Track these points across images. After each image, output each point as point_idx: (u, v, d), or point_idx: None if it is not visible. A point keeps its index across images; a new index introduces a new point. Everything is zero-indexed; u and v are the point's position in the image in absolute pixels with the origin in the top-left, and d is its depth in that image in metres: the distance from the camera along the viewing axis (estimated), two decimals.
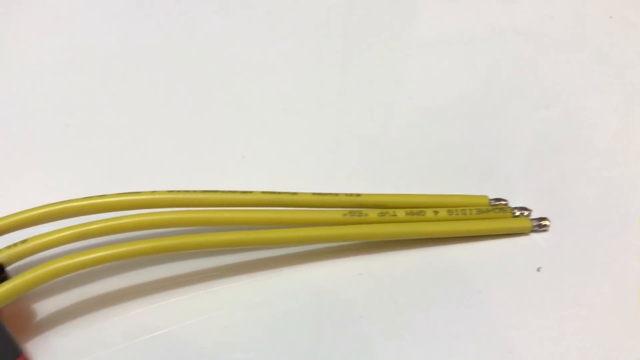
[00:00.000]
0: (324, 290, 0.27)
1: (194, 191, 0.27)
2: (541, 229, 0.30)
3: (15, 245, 0.24)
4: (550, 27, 0.41)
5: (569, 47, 0.39)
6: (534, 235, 0.30)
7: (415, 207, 0.29)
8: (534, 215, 0.30)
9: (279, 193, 0.28)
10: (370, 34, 0.40)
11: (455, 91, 0.36)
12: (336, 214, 0.28)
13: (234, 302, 0.27)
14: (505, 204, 0.30)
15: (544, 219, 0.30)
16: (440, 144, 0.33)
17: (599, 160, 0.33)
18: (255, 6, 0.41)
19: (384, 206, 0.28)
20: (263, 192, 0.27)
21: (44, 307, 0.26)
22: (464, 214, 0.29)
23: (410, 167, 0.32)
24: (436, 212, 0.29)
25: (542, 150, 0.33)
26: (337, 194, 0.28)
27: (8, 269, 0.24)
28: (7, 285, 0.23)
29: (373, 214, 0.28)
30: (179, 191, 0.27)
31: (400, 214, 0.28)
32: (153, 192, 0.26)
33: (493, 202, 0.30)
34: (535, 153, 0.33)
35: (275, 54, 0.38)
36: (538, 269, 0.28)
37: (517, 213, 0.30)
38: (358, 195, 0.28)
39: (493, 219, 0.29)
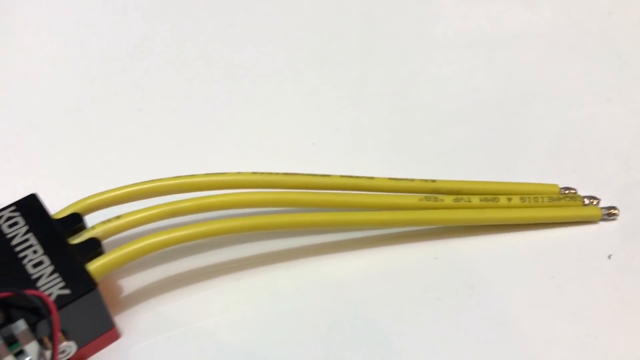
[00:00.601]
0: (400, 273, 0.28)
1: (277, 173, 0.27)
2: (610, 218, 0.30)
3: (109, 220, 0.25)
4: (571, 29, 0.40)
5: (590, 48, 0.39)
6: (603, 224, 0.30)
7: (489, 194, 0.29)
8: (602, 205, 0.30)
9: (357, 177, 0.28)
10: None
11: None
12: (413, 198, 0.28)
13: (313, 282, 0.27)
14: (575, 193, 0.31)
15: (613, 207, 0.30)
16: (509, 133, 0.34)
17: None
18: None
19: (459, 192, 0.29)
20: (342, 176, 0.28)
21: (130, 283, 0.27)
22: (536, 202, 0.29)
23: (477, 156, 0.33)
24: (509, 199, 0.29)
25: (608, 141, 0.34)
26: (412, 180, 0.29)
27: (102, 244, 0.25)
28: (106, 258, 0.23)
29: (448, 199, 0.28)
30: (262, 173, 0.27)
31: (475, 200, 0.29)
32: (238, 173, 0.27)
33: (563, 191, 0.30)
34: (600, 143, 0.33)
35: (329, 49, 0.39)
36: (609, 257, 0.28)
37: (587, 202, 0.30)
38: (433, 181, 0.29)
39: (564, 207, 0.30)
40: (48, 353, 0.22)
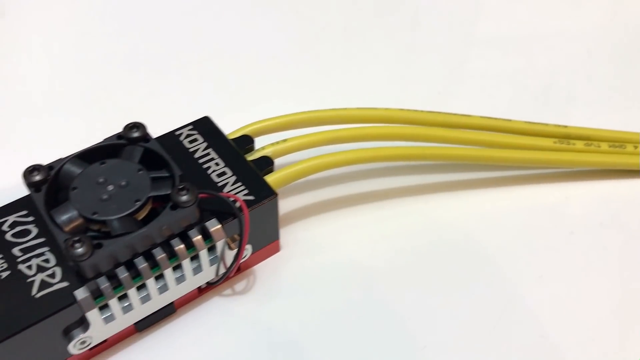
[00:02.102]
0: (534, 208, 0.30)
1: (422, 111, 0.29)
2: None
3: (277, 143, 0.27)
4: (613, 31, 0.41)
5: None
6: None
7: (617, 142, 0.31)
8: None
9: (496, 119, 0.30)
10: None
11: None
12: (547, 141, 0.30)
13: (453, 212, 0.29)
14: None
15: None
16: None
17: None
18: None
19: (588, 138, 0.30)
20: (481, 117, 0.30)
21: (290, 204, 0.29)
22: None
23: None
24: (635, 147, 0.31)
25: None
26: (546, 124, 0.30)
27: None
28: (282, 172, 0.26)
29: (579, 144, 0.30)
30: (409, 110, 0.29)
31: (604, 146, 0.30)
32: (387, 108, 0.29)
33: None
34: None
35: None
36: None
37: None
38: (565, 127, 0.31)
39: None
40: (231, 252, 0.24)
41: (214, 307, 0.26)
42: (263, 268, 0.27)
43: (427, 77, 0.37)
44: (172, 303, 0.25)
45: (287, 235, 0.28)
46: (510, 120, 0.30)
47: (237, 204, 0.24)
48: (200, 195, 0.23)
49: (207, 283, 0.25)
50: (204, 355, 0.24)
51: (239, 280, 0.27)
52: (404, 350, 0.25)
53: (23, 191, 0.24)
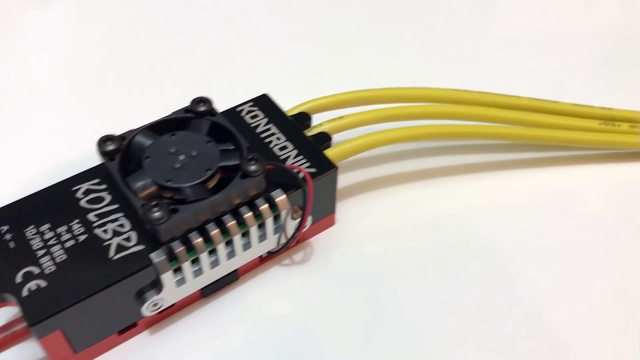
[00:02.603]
0: (578, 190, 0.30)
1: (472, 91, 0.30)
2: None
3: (334, 120, 0.28)
4: (630, 31, 0.41)
5: None
6: None
7: None
8: None
9: (543, 100, 0.31)
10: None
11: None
12: (593, 122, 0.31)
13: (502, 189, 0.30)
14: None
15: None
16: None
17: None
18: None
19: (633, 120, 0.31)
20: (529, 98, 0.31)
21: (344, 180, 0.30)
22: None
23: None
24: None
25: None
26: (592, 106, 0.31)
27: None
28: (342, 147, 0.27)
29: (624, 126, 0.31)
30: (458, 90, 0.30)
31: None
32: (438, 88, 0.30)
33: None
34: None
35: None
36: None
37: None
38: (610, 109, 0.31)
39: None
40: (292, 223, 0.25)
41: (274, 276, 0.27)
42: (319, 240, 0.28)
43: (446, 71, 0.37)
44: (235, 270, 0.26)
45: (341, 210, 0.29)
46: (556, 102, 0.31)
47: (301, 175, 0.25)
48: (267, 166, 0.24)
49: (268, 252, 0.26)
50: (266, 322, 0.25)
51: (297, 251, 0.28)
52: (466, 323, 0.25)
53: (92, 162, 0.25)
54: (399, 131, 0.28)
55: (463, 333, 0.25)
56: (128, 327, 0.24)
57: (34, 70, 0.37)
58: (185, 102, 0.26)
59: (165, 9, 0.41)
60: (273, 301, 0.26)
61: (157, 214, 0.22)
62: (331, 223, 0.28)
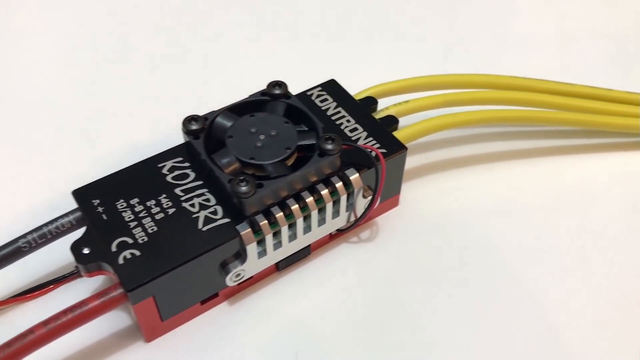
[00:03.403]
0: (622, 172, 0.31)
1: (530, 78, 0.31)
2: None
3: (400, 104, 0.29)
4: None
5: None
6: None
7: None
8: None
9: (597, 88, 0.32)
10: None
11: None
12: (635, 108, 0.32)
13: (559, 175, 0.31)
14: None
15: None
16: None
17: None
18: None
19: None
20: (583, 85, 0.32)
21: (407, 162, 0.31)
22: None
23: None
24: None
25: None
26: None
27: None
28: (411, 129, 0.28)
29: None
30: (516, 77, 0.31)
31: None
32: (498, 75, 0.31)
33: None
34: None
35: None
36: None
37: None
38: None
39: None
40: (362, 202, 0.26)
41: (343, 252, 0.28)
42: (384, 220, 0.29)
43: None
44: (308, 246, 0.27)
45: (404, 191, 0.30)
46: (610, 90, 0.32)
47: (374, 155, 0.26)
48: (342, 145, 0.25)
49: (337, 230, 0.27)
50: (335, 295, 0.27)
51: (363, 230, 0.29)
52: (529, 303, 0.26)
53: (170, 142, 0.27)
54: (465, 115, 0.29)
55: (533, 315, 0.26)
56: (210, 297, 0.25)
57: (127, 55, 0.38)
58: (252, 88, 0.27)
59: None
60: (342, 275, 0.27)
61: (244, 188, 0.23)
62: (395, 204, 0.30)
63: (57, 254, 0.26)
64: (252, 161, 0.25)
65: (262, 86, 0.27)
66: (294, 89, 0.29)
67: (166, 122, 0.32)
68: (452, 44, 0.40)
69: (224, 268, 0.24)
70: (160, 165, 0.26)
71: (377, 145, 0.27)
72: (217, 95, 0.30)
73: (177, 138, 0.27)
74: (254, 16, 0.41)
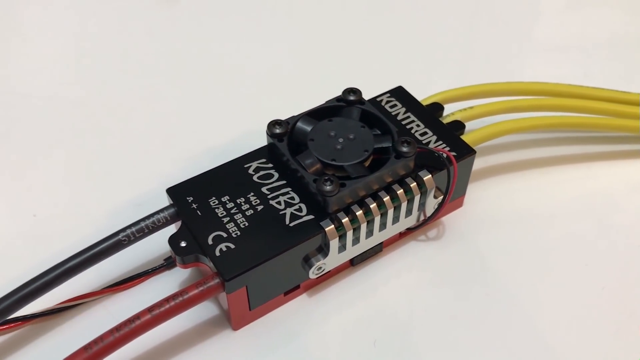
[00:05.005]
0: None
1: (585, 87, 0.33)
2: None
3: (465, 110, 0.31)
4: None
5: None
6: None
7: None
8: None
9: None
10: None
11: None
12: None
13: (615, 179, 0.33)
14: None
15: None
16: None
17: None
18: None
19: None
20: (638, 93, 0.33)
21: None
22: None
23: None
24: None
25: None
26: None
27: None
28: (478, 133, 0.30)
29: None
30: (573, 85, 0.33)
31: None
32: (557, 84, 0.33)
33: None
34: None
35: None
36: None
37: None
38: None
39: None
40: (432, 202, 0.28)
41: (412, 250, 0.30)
42: (449, 220, 0.31)
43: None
44: (381, 243, 0.29)
45: (468, 193, 0.31)
46: None
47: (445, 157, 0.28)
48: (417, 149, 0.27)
49: (407, 229, 0.29)
50: (405, 289, 0.28)
51: (431, 229, 0.30)
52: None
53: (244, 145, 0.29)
54: (528, 120, 0.30)
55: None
56: (292, 289, 0.27)
57: (209, 62, 0.41)
58: (324, 95, 0.30)
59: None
60: (411, 271, 0.29)
61: (329, 187, 0.25)
62: (460, 204, 0.31)
63: (140, 250, 0.28)
64: (334, 162, 0.26)
65: (323, 93, 0.30)
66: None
67: (240, 127, 0.34)
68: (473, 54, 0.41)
69: (307, 262, 0.26)
70: (246, 166, 0.28)
71: (447, 148, 0.29)
72: (289, 103, 0.32)
73: (249, 142, 0.29)
74: (329, 26, 0.44)
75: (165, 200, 0.27)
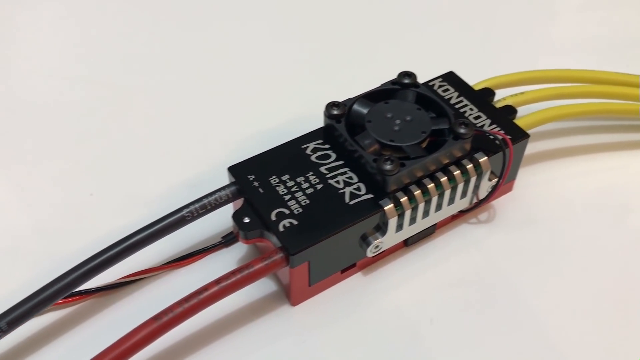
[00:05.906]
0: None
1: (632, 75, 0.33)
2: None
3: (516, 95, 0.31)
4: None
5: None
6: None
7: None
8: None
9: None
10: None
11: None
12: None
13: None
14: None
15: None
16: None
17: None
18: None
19: None
20: None
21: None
22: None
23: None
24: None
25: None
26: None
27: None
28: (532, 117, 0.30)
29: None
30: (622, 73, 0.33)
31: None
32: (604, 72, 0.33)
33: None
34: None
35: None
36: None
37: None
38: None
39: None
40: (485, 185, 0.29)
41: (464, 232, 0.30)
42: (499, 204, 0.31)
43: None
44: (435, 224, 0.29)
45: (518, 178, 0.32)
46: None
47: (501, 140, 0.28)
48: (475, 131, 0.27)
49: (459, 211, 0.30)
50: (458, 269, 0.29)
51: (481, 212, 0.31)
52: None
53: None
54: (579, 106, 0.31)
55: None
56: (349, 267, 0.28)
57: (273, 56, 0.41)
58: (370, 78, 0.30)
59: None
60: (463, 253, 0.29)
61: (389, 167, 0.26)
62: (510, 189, 0.32)
63: (195, 229, 0.28)
64: (392, 143, 0.27)
65: (377, 76, 0.30)
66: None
67: (289, 113, 0.35)
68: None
69: (365, 240, 0.27)
70: (303, 146, 0.28)
71: (502, 132, 0.29)
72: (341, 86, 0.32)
73: (299, 127, 0.29)
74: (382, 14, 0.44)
75: (218, 182, 0.28)
